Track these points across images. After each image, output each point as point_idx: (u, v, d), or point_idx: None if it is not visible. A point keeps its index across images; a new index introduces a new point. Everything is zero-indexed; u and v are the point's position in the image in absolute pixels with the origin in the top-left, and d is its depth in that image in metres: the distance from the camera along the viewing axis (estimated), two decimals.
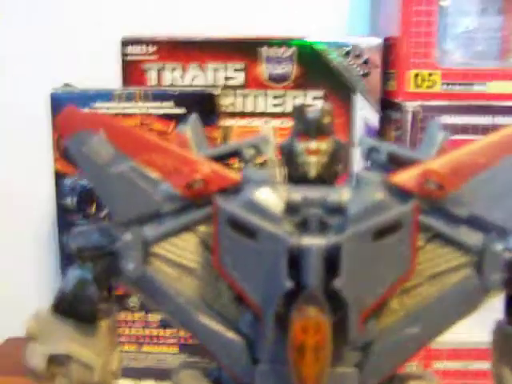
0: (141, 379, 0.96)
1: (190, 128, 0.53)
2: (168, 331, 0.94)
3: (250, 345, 0.50)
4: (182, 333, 0.92)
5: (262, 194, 0.47)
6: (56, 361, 0.54)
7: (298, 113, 0.51)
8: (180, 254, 0.51)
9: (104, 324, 0.55)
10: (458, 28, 0.93)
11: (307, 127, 0.50)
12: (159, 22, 1.02)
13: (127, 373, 0.95)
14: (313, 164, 0.50)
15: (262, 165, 0.52)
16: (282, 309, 0.47)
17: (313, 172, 0.50)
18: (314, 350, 0.45)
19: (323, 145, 0.50)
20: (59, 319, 0.53)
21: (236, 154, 0.52)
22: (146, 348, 0.95)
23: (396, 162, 0.51)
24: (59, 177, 0.90)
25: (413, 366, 0.89)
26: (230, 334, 0.50)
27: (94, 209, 0.89)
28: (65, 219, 0.90)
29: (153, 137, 0.50)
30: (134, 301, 0.94)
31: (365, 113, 0.91)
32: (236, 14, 1.04)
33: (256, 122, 0.93)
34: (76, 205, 0.91)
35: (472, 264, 0.50)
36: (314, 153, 0.50)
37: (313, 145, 0.50)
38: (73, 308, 0.53)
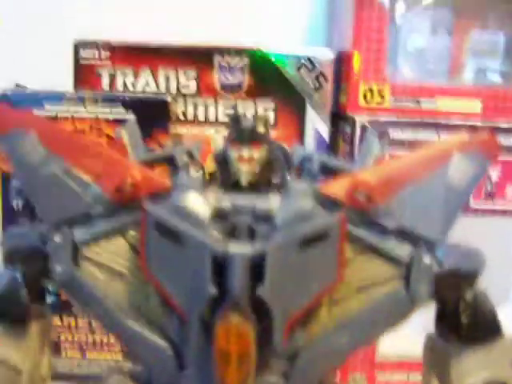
0: None
1: (127, 132, 0.54)
2: (112, 338, 0.93)
3: (177, 349, 0.50)
4: None
5: (189, 199, 0.47)
6: None
7: (233, 121, 0.52)
8: (110, 258, 0.51)
9: (34, 326, 0.54)
10: (410, 46, 0.95)
11: (240, 135, 0.51)
12: (113, 26, 1.01)
13: (71, 379, 0.94)
14: (245, 172, 0.50)
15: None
16: (209, 315, 0.47)
17: (244, 180, 0.50)
18: (237, 358, 0.45)
19: (256, 153, 0.51)
20: None
21: (170, 159, 0.53)
22: (90, 354, 0.94)
23: (328, 172, 0.52)
24: (6, 178, 0.89)
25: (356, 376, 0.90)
26: (157, 340, 0.50)
27: None
28: (12, 222, 0.88)
29: (85, 138, 0.50)
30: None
31: (316, 125, 0.92)
32: (191, 22, 1.04)
33: (208, 131, 0.93)
34: (22, 207, 0.90)
35: (400, 276, 0.50)
36: (246, 161, 0.50)
37: (245, 153, 0.50)
38: (2, 309, 0.52)
